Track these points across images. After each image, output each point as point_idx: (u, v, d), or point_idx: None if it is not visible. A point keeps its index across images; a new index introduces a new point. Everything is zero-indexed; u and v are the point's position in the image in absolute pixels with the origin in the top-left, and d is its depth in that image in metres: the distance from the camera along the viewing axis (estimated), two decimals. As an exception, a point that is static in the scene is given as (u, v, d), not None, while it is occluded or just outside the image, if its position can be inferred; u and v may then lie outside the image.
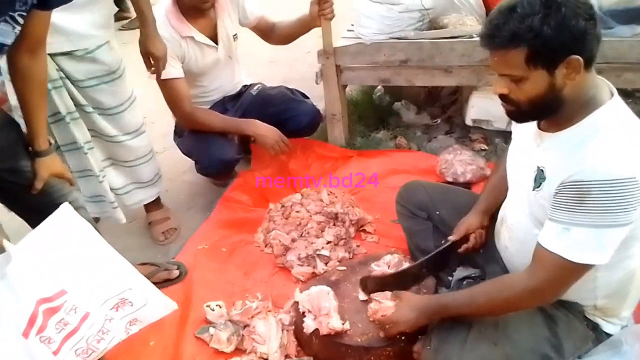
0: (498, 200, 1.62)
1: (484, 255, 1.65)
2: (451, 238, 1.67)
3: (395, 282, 1.63)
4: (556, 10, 1.12)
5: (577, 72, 1.16)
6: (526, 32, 1.13)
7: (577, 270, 1.21)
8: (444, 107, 3.10)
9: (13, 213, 1.73)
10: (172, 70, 2.28)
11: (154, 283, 1.52)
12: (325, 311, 1.60)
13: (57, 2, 1.45)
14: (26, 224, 1.71)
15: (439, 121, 2.99)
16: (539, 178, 1.28)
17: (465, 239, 1.66)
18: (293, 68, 3.81)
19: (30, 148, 1.59)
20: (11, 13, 1.29)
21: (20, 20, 1.33)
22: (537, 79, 1.18)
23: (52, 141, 1.64)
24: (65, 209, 1.42)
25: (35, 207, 1.58)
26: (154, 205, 2.45)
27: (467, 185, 2.35)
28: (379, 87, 3.23)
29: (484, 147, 2.71)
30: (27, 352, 1.33)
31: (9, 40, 1.34)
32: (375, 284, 1.65)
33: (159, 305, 1.52)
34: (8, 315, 1.32)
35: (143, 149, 2.21)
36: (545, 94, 1.20)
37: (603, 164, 1.13)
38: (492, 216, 1.65)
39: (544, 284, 1.24)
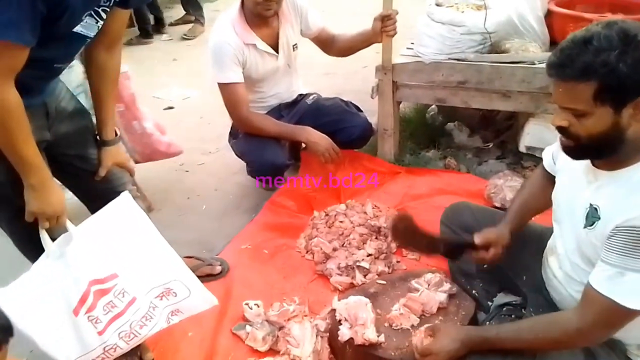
0: (525, 221, 1.62)
1: (527, 283, 1.62)
2: (476, 240, 1.59)
3: (414, 240, 1.68)
4: (634, 48, 1.08)
5: None
6: (600, 67, 1.09)
7: (629, 315, 1.18)
8: (497, 132, 3.06)
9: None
10: (233, 75, 2.37)
11: (197, 276, 1.57)
12: (361, 321, 1.61)
13: (136, 1, 1.55)
14: (81, 205, 1.80)
15: (491, 145, 2.95)
16: (592, 216, 1.24)
17: (486, 246, 1.58)
18: (349, 81, 3.85)
19: (97, 137, 1.68)
20: (96, 8, 1.38)
21: (104, 16, 1.42)
22: (601, 116, 1.14)
23: (118, 132, 1.74)
24: (125, 197, 1.50)
25: (96, 193, 1.67)
26: None
27: (515, 212, 2.31)
28: (433, 106, 3.22)
29: (536, 175, 2.66)
30: (76, 328, 1.40)
31: (92, 34, 1.42)
32: (406, 229, 1.65)
33: (201, 299, 1.57)
34: (62, 292, 1.39)
35: None
36: (608, 132, 1.15)
37: None
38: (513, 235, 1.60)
39: (593, 327, 1.22)
